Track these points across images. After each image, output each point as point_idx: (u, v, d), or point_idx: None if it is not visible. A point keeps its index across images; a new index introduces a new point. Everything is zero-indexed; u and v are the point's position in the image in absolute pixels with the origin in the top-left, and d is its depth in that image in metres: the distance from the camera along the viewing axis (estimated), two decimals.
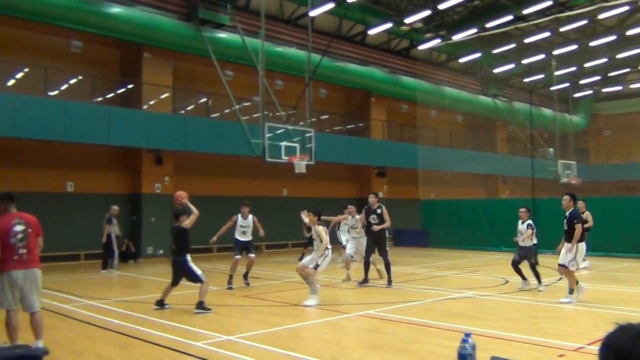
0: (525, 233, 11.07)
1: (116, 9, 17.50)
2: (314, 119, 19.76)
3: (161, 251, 19.35)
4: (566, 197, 10.12)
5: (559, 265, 9.69)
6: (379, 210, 12.13)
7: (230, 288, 11.82)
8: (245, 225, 12.46)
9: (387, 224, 12.17)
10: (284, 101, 20.16)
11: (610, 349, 1.28)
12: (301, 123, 19.23)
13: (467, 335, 5.16)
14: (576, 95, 35.76)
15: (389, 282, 11.89)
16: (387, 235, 12.21)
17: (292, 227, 22.65)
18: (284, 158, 17.12)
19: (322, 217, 12.66)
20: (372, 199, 12.44)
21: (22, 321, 6.31)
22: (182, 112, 21.14)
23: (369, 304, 9.74)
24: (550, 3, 22.14)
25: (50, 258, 15.55)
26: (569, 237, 9.68)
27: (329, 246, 9.99)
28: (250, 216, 12.53)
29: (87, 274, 14.99)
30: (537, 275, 11.03)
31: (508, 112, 31.43)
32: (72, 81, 19.26)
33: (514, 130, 31.61)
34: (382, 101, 27.12)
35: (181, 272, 9.26)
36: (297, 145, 17.45)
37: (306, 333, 7.62)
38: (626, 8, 24.57)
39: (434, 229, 24.46)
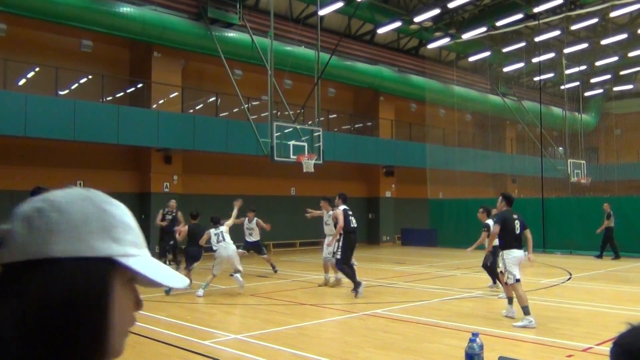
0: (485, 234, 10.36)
1: (126, 9, 17.59)
2: (322, 118, 19.76)
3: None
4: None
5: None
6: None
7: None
8: (250, 228, 14.05)
9: (337, 229, 10.58)
10: (293, 100, 20.18)
11: (621, 348, 1.28)
12: (310, 122, 19.23)
13: (475, 335, 5.15)
14: (587, 93, 35.47)
15: (356, 287, 10.28)
16: (345, 243, 10.47)
17: (300, 226, 22.68)
18: (293, 157, 17.13)
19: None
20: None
21: None
22: (191, 111, 21.22)
23: (376, 303, 9.74)
24: (561, 1, 22.00)
25: None
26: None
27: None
28: (255, 220, 14.08)
29: None
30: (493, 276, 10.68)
31: (517, 111, 31.26)
32: (82, 80, 19.36)
33: (524, 129, 31.44)
34: (391, 100, 27.06)
35: None
36: (305, 144, 17.46)
37: (314, 332, 7.63)
38: (638, 6, 24.38)
39: (442, 228, 24.41)
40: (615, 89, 35.55)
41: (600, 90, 36.51)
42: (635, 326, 1.32)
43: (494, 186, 30.17)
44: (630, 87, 36.03)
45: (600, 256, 17.91)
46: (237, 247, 11.90)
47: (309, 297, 10.65)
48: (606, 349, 6.31)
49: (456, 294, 11.02)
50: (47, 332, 0.68)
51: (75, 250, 0.72)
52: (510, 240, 8.28)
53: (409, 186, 27.32)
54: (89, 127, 16.33)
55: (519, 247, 8.38)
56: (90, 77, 19.16)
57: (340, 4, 19.41)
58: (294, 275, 14.10)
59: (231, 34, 20.07)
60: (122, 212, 0.82)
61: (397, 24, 22.99)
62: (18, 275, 0.70)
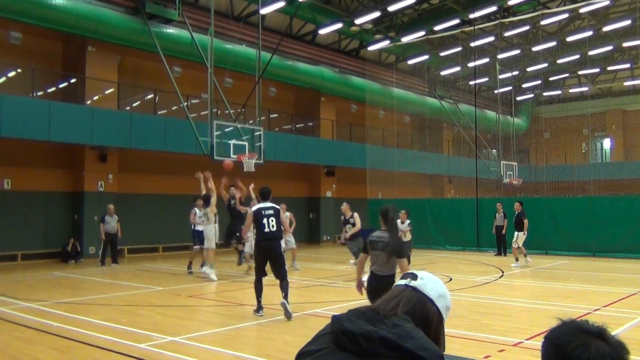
0: (407, 230, 13.77)
1: (59, 0, 16.87)
2: (263, 118, 19.64)
3: None
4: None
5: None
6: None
7: (190, 272, 14.09)
8: (201, 216, 14.50)
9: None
10: (233, 99, 19.97)
11: (549, 341, 1.37)
12: (250, 121, 19.09)
13: None
14: (518, 98, 36.97)
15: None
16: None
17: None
18: (233, 156, 16.95)
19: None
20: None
21: None
22: (128, 108, 20.62)
23: (316, 302, 9.78)
24: (495, 8, 22.83)
25: None
26: None
27: None
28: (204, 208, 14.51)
29: (25, 275, 14.43)
30: None
31: (454, 114, 32.17)
32: (11, 74, 18.47)
33: (460, 131, 32.38)
34: (332, 101, 27.25)
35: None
36: (246, 143, 17.32)
37: (253, 333, 7.58)
38: (566, 15, 25.63)
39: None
40: (545, 94, 37.22)
41: (531, 95, 38.15)
42: (565, 321, 1.39)
43: (431, 187, 30.94)
44: (558, 92, 37.81)
45: (504, 253, 18.68)
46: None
47: (248, 297, 10.57)
48: (535, 343, 6.59)
49: None
50: (419, 319, 1.50)
51: (440, 306, 1.57)
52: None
53: (349, 186, 27.58)
54: (18, 123, 15.57)
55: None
56: (19, 70, 18.30)
57: (281, 4, 19.37)
58: (234, 276, 13.96)
59: (170, 30, 19.65)
60: (451, 299, 1.64)
61: (338, 26, 23.19)
62: (422, 299, 1.55)
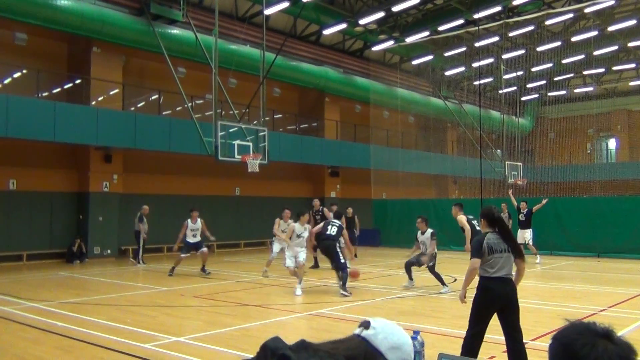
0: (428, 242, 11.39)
1: (64, 1, 16.92)
2: (267, 118, 19.65)
3: (109, 251, 18.85)
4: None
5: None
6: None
7: (170, 275, 13.65)
8: (194, 229, 14.20)
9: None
10: (238, 99, 19.99)
11: (557, 341, 1.39)
12: (255, 122, 19.11)
13: (416, 332, 5.22)
14: (523, 98, 36.86)
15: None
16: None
17: (245, 226, 22.50)
18: (237, 157, 16.96)
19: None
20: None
21: None
22: (133, 109, 20.66)
23: (320, 303, 9.78)
24: (499, 8, 22.79)
25: None
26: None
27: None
28: (199, 220, 14.29)
29: (30, 275, 14.47)
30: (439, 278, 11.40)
31: (458, 114, 32.10)
32: (16, 75, 18.53)
33: (464, 131, 32.31)
34: (336, 101, 27.25)
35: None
36: (250, 144, 17.33)
37: (257, 333, 7.59)
38: (571, 15, 25.55)
39: (386, 228, 24.73)
40: (550, 94, 37.10)
41: (536, 95, 38.04)
42: (573, 322, 1.39)
43: (435, 187, 30.88)
44: (563, 92, 37.69)
45: None
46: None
47: (252, 297, 10.59)
48: (540, 344, 6.57)
49: (398, 292, 11.20)
50: None
51: (392, 359, 1.39)
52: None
53: (354, 186, 27.57)
54: (23, 124, 15.63)
55: None
56: (24, 71, 18.37)
57: (285, 4, 19.38)
58: (238, 276, 13.98)
59: (174, 31, 19.69)
60: (411, 350, 1.47)
61: (342, 26, 23.19)
62: (370, 353, 1.37)
